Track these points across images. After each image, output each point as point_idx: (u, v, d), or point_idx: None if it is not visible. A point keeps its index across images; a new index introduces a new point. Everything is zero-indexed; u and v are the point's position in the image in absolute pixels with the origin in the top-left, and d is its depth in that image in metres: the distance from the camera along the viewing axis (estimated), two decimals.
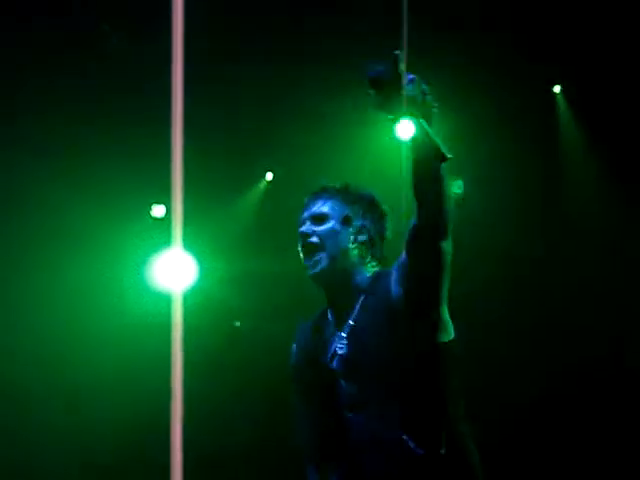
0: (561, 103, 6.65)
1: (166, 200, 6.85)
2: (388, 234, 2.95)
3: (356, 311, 2.84)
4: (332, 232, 2.87)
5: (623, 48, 6.12)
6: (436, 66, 5.99)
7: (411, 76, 2.38)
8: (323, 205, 2.91)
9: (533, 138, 6.57)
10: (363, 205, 2.91)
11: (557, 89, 6.63)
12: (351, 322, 2.83)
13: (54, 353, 6.79)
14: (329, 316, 2.92)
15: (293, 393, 2.94)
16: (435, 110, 2.45)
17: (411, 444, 2.69)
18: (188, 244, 6.63)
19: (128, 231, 6.84)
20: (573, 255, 6.65)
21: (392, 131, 6.33)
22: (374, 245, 2.90)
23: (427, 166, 2.52)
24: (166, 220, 6.86)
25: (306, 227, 2.91)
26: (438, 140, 2.48)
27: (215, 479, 6.64)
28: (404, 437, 2.69)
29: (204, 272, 6.84)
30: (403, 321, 2.72)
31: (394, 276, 2.76)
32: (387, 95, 2.36)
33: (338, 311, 2.89)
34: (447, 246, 2.66)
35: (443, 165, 2.52)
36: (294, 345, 2.99)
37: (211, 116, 6.30)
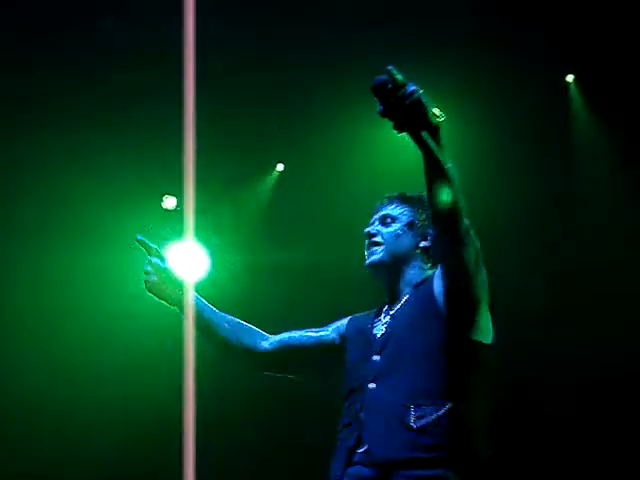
0: (574, 93, 6.61)
1: (177, 192, 6.85)
2: None
3: (401, 303, 3.02)
4: (396, 234, 3.09)
5: (634, 36, 6.10)
6: (445, 55, 6.00)
7: (414, 87, 2.38)
8: (394, 209, 3.13)
9: (546, 129, 6.53)
10: (430, 214, 3.06)
11: (570, 78, 6.59)
12: (391, 312, 3.03)
13: (65, 346, 6.80)
14: (384, 307, 3.10)
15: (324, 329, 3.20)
16: (440, 121, 2.47)
17: (414, 414, 2.76)
18: (200, 236, 6.63)
19: (140, 223, 6.85)
20: (586, 250, 6.62)
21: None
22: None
23: (432, 173, 2.58)
24: (178, 212, 6.86)
25: (372, 227, 3.13)
26: (437, 150, 2.50)
27: (225, 475, 6.65)
28: (411, 406, 2.77)
29: (216, 263, 6.84)
30: (439, 315, 2.86)
31: (437, 272, 2.93)
32: (391, 104, 2.38)
33: (391, 303, 3.07)
34: (468, 254, 2.73)
35: (449, 174, 2.57)
36: (349, 318, 3.21)
37: (222, 107, 6.29)
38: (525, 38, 6.07)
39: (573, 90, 6.62)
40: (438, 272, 2.92)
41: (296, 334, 3.22)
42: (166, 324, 6.11)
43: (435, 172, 2.56)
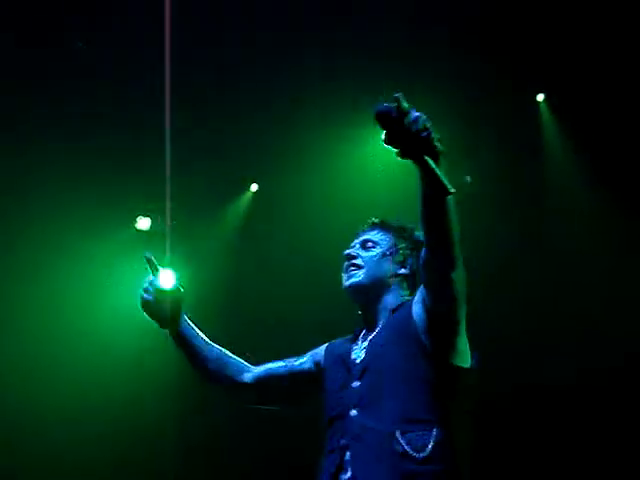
0: (544, 111, 6.68)
1: (150, 213, 6.85)
2: None
3: (379, 327, 3.02)
4: (377, 259, 3.11)
5: (606, 54, 6.16)
6: (415, 79, 6.04)
7: (417, 114, 2.39)
8: (375, 235, 3.16)
9: (517, 147, 6.59)
10: (411, 242, 3.13)
11: (540, 98, 6.66)
12: (370, 337, 3.03)
13: (47, 362, 6.79)
14: (361, 332, 3.10)
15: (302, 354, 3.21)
16: (442, 148, 2.48)
17: (401, 441, 2.75)
18: (174, 256, 6.62)
19: (114, 243, 6.84)
20: (554, 262, 6.67)
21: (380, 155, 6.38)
22: (412, 279, 3.10)
23: (432, 201, 2.59)
24: (151, 232, 6.86)
25: (353, 250, 3.15)
26: (442, 176, 2.48)
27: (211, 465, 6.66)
28: (397, 433, 2.76)
29: (188, 284, 6.83)
30: (418, 341, 2.86)
31: (416, 298, 2.93)
32: (394, 132, 2.38)
33: (368, 328, 3.07)
34: (457, 277, 2.73)
35: (448, 199, 2.58)
36: (326, 345, 3.21)
37: (196, 129, 6.31)
38: (494, 59, 6.13)
39: (543, 108, 6.69)
40: (417, 298, 2.91)
41: (275, 365, 3.22)
42: (148, 331, 6.10)
43: (437, 197, 2.55)
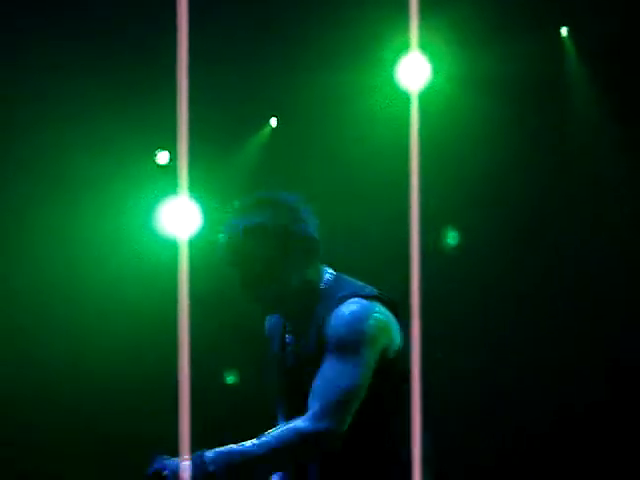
0: (569, 46, 6.58)
1: (170, 146, 6.82)
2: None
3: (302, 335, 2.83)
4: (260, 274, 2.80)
5: None
6: (438, 13, 5.95)
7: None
8: (240, 243, 2.80)
9: (540, 87, 6.50)
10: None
11: (564, 32, 6.55)
12: (294, 343, 2.86)
13: (58, 301, 6.81)
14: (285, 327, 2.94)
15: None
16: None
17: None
18: (193, 191, 6.61)
19: (133, 178, 6.83)
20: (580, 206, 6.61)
21: (389, 96, 6.30)
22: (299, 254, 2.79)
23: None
24: (171, 167, 6.84)
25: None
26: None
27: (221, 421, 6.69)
28: None
29: (209, 219, 6.83)
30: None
31: (327, 329, 2.70)
32: None
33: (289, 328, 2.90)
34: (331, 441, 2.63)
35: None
36: (268, 325, 3.02)
37: (215, 60, 6.25)
38: None
39: (567, 43, 6.58)
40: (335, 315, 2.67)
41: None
42: (163, 271, 6.13)
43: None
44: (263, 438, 2.57)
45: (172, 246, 6.50)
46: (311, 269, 2.78)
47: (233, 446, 2.56)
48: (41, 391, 6.77)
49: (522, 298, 6.57)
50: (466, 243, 6.69)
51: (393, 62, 6.25)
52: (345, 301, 2.68)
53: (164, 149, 6.88)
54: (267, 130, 7.28)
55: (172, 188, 6.62)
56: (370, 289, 2.76)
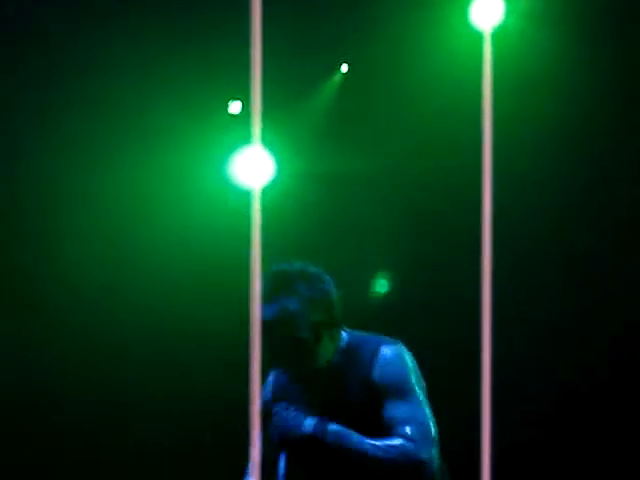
0: None
1: (242, 96, 6.81)
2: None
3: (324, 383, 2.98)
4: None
5: None
6: None
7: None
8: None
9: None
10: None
11: None
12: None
13: (128, 253, 6.87)
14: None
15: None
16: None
17: None
18: (265, 140, 6.60)
19: (206, 128, 6.84)
20: None
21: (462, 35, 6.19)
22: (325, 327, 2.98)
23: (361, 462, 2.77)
24: (242, 117, 6.83)
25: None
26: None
27: None
28: None
29: (281, 168, 6.83)
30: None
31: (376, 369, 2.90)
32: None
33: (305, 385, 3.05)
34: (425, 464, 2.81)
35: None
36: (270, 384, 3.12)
37: (287, 8, 6.20)
38: None
39: None
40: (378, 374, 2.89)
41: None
42: (235, 221, 6.14)
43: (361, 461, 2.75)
44: (372, 441, 2.76)
45: (245, 196, 6.52)
46: (334, 342, 2.98)
47: (353, 433, 2.75)
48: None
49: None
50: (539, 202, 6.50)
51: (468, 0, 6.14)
52: (381, 347, 2.90)
53: (235, 99, 6.88)
54: (338, 76, 7.22)
55: (245, 138, 6.62)
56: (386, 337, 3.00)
